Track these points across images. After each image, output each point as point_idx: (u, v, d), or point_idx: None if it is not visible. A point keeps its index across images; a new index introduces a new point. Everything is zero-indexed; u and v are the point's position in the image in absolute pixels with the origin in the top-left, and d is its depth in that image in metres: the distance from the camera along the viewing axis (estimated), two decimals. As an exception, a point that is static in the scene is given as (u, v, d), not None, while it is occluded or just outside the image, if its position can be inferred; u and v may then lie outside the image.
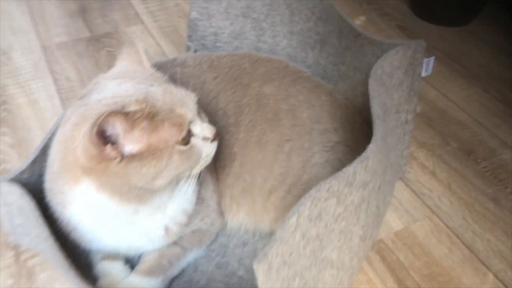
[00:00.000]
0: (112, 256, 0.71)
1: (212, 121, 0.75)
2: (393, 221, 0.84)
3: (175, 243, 0.71)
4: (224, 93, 0.79)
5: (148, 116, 0.58)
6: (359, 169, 0.52)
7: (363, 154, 0.53)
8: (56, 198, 0.65)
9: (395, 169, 0.83)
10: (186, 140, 0.60)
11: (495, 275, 0.77)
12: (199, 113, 0.64)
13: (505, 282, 0.76)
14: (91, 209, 0.63)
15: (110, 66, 1.14)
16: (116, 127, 0.57)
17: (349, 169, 0.51)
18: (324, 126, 0.79)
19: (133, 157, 0.58)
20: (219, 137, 0.67)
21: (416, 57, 0.71)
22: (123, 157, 0.58)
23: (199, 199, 0.72)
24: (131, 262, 0.73)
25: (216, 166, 0.76)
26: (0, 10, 1.33)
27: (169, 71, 0.79)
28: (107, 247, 0.69)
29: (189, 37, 0.97)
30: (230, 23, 0.93)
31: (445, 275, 0.76)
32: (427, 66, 0.74)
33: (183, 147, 0.60)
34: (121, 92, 0.60)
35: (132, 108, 0.56)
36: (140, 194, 0.60)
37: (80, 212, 0.64)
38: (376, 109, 0.58)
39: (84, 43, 1.23)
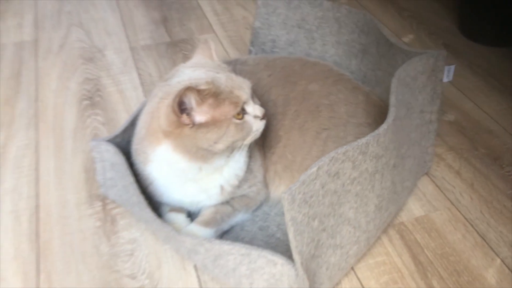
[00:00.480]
0: (178, 209, 0.89)
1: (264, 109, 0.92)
2: (415, 209, 0.96)
3: (227, 203, 0.88)
4: (275, 88, 0.95)
5: (214, 94, 0.76)
6: (371, 141, 0.66)
7: (376, 131, 0.68)
8: (140, 157, 0.85)
9: (419, 163, 0.95)
10: (240, 116, 0.78)
11: (502, 260, 0.86)
12: (252, 97, 0.81)
13: (510, 267, 0.85)
14: (166, 166, 0.81)
15: (184, 66, 1.34)
16: (191, 101, 0.75)
17: (362, 140, 0.66)
18: (359, 120, 0.93)
19: (201, 125, 0.76)
20: (267, 119, 0.84)
21: (438, 65, 0.84)
22: (194, 124, 0.76)
23: (249, 170, 0.88)
24: (191, 216, 0.91)
25: (264, 146, 0.93)
26: (97, 16, 1.59)
27: (232, 68, 0.98)
28: (174, 201, 0.88)
29: (251, 43, 1.15)
30: (287, 32, 1.10)
31: (456, 255, 0.87)
32: (448, 73, 0.86)
33: (238, 121, 0.78)
34: (195, 76, 0.79)
35: (202, 87, 0.75)
36: (204, 155, 0.78)
37: (158, 169, 0.83)
38: (393, 100, 0.72)
39: (164, 46, 1.45)
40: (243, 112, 0.79)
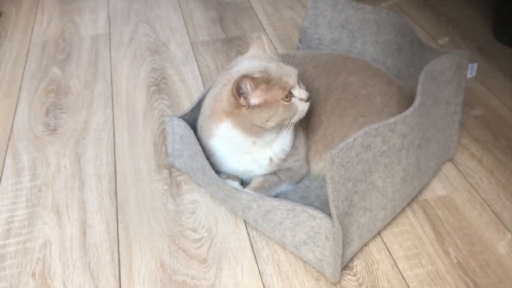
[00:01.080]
0: (233, 177, 1.06)
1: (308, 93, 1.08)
2: (439, 189, 1.09)
3: (274, 174, 1.05)
4: (319, 78, 1.11)
5: (265, 81, 0.92)
6: (399, 121, 0.81)
7: (403, 113, 0.82)
8: (205, 132, 1.03)
9: (444, 149, 1.08)
10: (288, 98, 0.94)
11: (513, 236, 0.99)
12: (298, 82, 0.97)
13: (520, 241, 0.98)
14: (227, 140, 0.99)
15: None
16: (247, 86, 0.92)
17: (391, 119, 0.80)
18: (392, 109, 1.07)
19: (255, 106, 0.93)
20: (311, 104, 0.99)
21: (462, 62, 0.97)
22: (249, 106, 0.93)
23: (294, 146, 1.04)
24: (243, 185, 1.07)
25: (308, 128, 1.08)
26: (162, 15, 1.79)
27: (283, 60, 1.14)
28: (231, 170, 1.05)
29: (300, 40, 1.31)
30: (331, 31, 1.26)
31: (471, 229, 1.00)
32: (472, 70, 0.99)
33: (286, 103, 0.94)
34: (251, 66, 0.96)
35: (256, 75, 0.92)
36: (257, 131, 0.95)
37: (219, 142, 1.01)
38: (419, 89, 0.86)
39: (221, 42, 1.63)
40: (290, 95, 0.95)
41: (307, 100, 0.97)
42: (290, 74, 0.96)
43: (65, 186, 1.12)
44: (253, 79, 0.92)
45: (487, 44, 1.58)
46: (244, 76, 0.91)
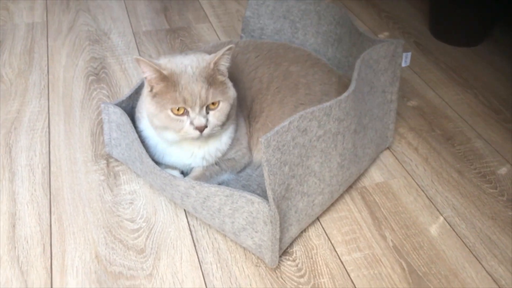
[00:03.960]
0: (172, 167, 1.04)
1: (250, 86, 1.08)
2: (376, 176, 1.12)
3: (215, 163, 1.03)
4: (261, 67, 1.11)
5: (168, 80, 0.88)
6: (334, 105, 0.82)
7: (338, 97, 0.83)
8: (138, 113, 1.00)
9: (381, 136, 1.11)
10: (180, 112, 0.89)
11: (445, 219, 1.03)
12: (202, 109, 0.89)
13: (451, 224, 1.02)
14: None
15: (182, 51, 1.52)
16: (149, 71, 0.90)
17: (327, 104, 0.81)
18: (331, 98, 1.08)
19: (155, 94, 0.90)
20: (253, 91, 0.99)
21: (397, 51, 1.00)
22: (152, 90, 0.91)
23: (235, 139, 1.03)
24: (185, 175, 1.05)
25: (249, 116, 1.08)
26: (103, 4, 1.73)
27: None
28: (166, 162, 1.02)
29: (242, 30, 1.31)
30: (273, 22, 1.26)
31: (406, 213, 1.03)
32: (406, 59, 1.02)
33: (172, 114, 0.89)
34: (184, 61, 0.92)
35: (162, 70, 0.88)
36: (153, 124, 0.94)
37: (147, 126, 0.98)
38: (355, 75, 0.88)
39: (164, 33, 1.60)
40: (186, 113, 0.89)
41: (197, 128, 0.90)
42: (194, 94, 0.87)
43: (-7, 178, 1.06)
44: (154, 69, 0.88)
45: (424, 39, 1.64)
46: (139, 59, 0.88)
